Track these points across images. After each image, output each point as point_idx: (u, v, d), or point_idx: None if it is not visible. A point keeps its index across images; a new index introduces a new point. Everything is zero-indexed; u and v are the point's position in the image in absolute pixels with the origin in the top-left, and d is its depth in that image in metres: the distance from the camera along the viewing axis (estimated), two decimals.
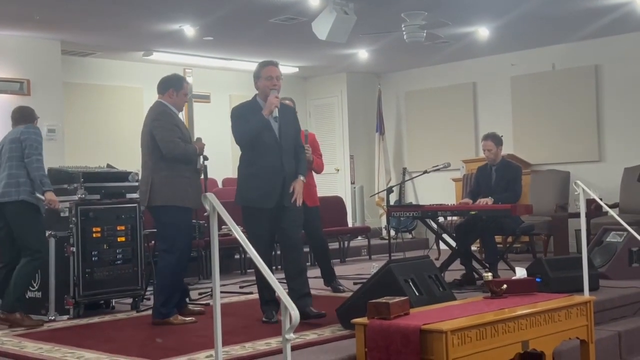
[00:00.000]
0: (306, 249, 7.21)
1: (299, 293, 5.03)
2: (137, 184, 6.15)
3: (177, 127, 5.41)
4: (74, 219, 5.80)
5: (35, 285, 5.81)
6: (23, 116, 5.70)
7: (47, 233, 5.71)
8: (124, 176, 6.15)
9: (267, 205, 5.07)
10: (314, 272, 7.18)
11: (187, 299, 5.95)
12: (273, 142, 5.12)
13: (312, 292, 5.80)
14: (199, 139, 5.59)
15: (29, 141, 5.48)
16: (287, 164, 5.14)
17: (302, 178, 5.20)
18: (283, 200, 5.09)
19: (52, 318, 5.63)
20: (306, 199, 6.54)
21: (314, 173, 6.68)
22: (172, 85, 5.47)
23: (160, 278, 5.35)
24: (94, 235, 5.90)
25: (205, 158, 6.69)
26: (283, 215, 5.13)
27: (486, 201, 6.70)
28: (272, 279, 3.23)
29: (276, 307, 5.00)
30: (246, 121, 5.13)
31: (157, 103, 5.48)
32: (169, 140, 5.28)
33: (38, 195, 5.45)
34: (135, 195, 6.09)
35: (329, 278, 6.70)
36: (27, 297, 5.71)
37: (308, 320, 4.87)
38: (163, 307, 5.28)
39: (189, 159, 5.42)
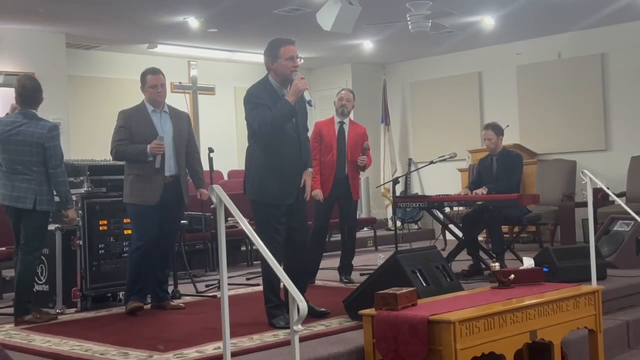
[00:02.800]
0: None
1: (301, 292, 4.89)
2: None
3: (124, 128, 5.55)
4: (80, 212, 5.80)
5: (42, 278, 5.82)
6: (34, 99, 5.36)
7: (54, 227, 5.71)
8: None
9: (288, 201, 4.74)
10: (327, 263, 7.21)
11: (171, 293, 5.98)
12: (293, 132, 4.75)
13: (320, 282, 5.80)
14: (160, 138, 5.46)
15: (55, 150, 5.28)
16: (304, 156, 4.85)
17: (310, 170, 4.98)
18: (300, 195, 4.84)
19: (60, 311, 5.64)
20: (353, 192, 6.59)
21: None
22: (141, 84, 5.68)
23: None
24: (101, 228, 5.91)
25: (211, 150, 6.73)
26: (296, 211, 4.83)
27: (481, 191, 6.68)
28: (282, 273, 3.22)
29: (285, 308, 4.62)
30: (268, 108, 4.63)
31: None
32: (111, 143, 5.57)
33: (62, 211, 5.42)
34: None
35: (348, 271, 6.71)
36: (34, 290, 5.71)
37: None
38: (125, 295, 5.62)
39: (133, 158, 5.50)
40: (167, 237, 5.67)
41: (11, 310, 5.46)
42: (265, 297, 4.80)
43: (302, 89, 4.63)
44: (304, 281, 4.94)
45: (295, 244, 4.88)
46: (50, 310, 5.61)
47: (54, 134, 5.33)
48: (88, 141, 9.77)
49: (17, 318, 5.26)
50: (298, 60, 4.79)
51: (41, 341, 4.61)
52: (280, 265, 4.78)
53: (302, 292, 4.82)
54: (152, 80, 5.60)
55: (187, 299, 6.10)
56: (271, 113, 4.62)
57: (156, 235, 5.52)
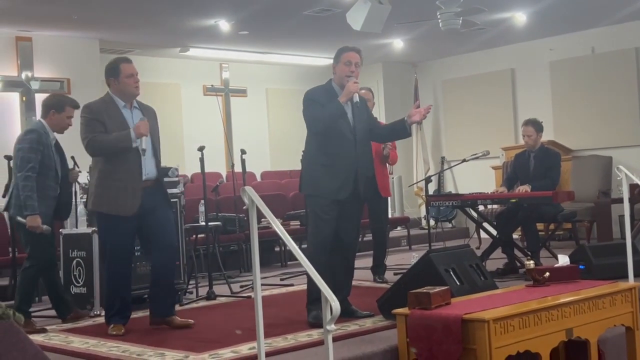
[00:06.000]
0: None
1: (345, 293, 4.91)
2: (177, 179, 6.25)
3: (98, 121, 4.80)
4: None
5: (80, 281, 5.91)
6: (43, 107, 5.34)
7: (90, 230, 5.79)
8: (164, 171, 6.19)
9: (341, 197, 4.81)
10: (361, 263, 7.19)
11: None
12: (348, 131, 4.85)
13: (354, 282, 5.77)
14: (142, 118, 4.89)
15: (18, 152, 5.13)
16: (362, 155, 4.91)
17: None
18: (355, 193, 4.87)
19: (97, 313, 5.71)
20: (381, 189, 6.57)
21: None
22: (109, 75, 4.90)
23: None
24: None
25: (244, 152, 6.78)
26: (347, 209, 4.88)
27: (525, 189, 6.62)
28: (314, 272, 3.23)
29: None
30: (321, 106, 4.81)
31: None
32: (84, 139, 4.87)
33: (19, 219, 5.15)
34: (176, 190, 6.14)
35: (381, 270, 6.71)
36: (72, 292, 5.84)
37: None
38: (105, 315, 5.03)
39: (114, 147, 4.83)
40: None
41: (50, 312, 5.59)
42: (308, 290, 4.86)
43: (353, 90, 4.80)
44: (347, 281, 5.02)
45: (342, 243, 4.93)
46: (89, 311, 5.71)
47: (21, 138, 5.26)
48: None
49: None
50: (357, 67, 4.91)
51: (79, 342, 4.69)
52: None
53: (346, 293, 4.95)
54: (127, 69, 4.83)
55: (222, 299, 6.15)
56: (322, 111, 4.79)
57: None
